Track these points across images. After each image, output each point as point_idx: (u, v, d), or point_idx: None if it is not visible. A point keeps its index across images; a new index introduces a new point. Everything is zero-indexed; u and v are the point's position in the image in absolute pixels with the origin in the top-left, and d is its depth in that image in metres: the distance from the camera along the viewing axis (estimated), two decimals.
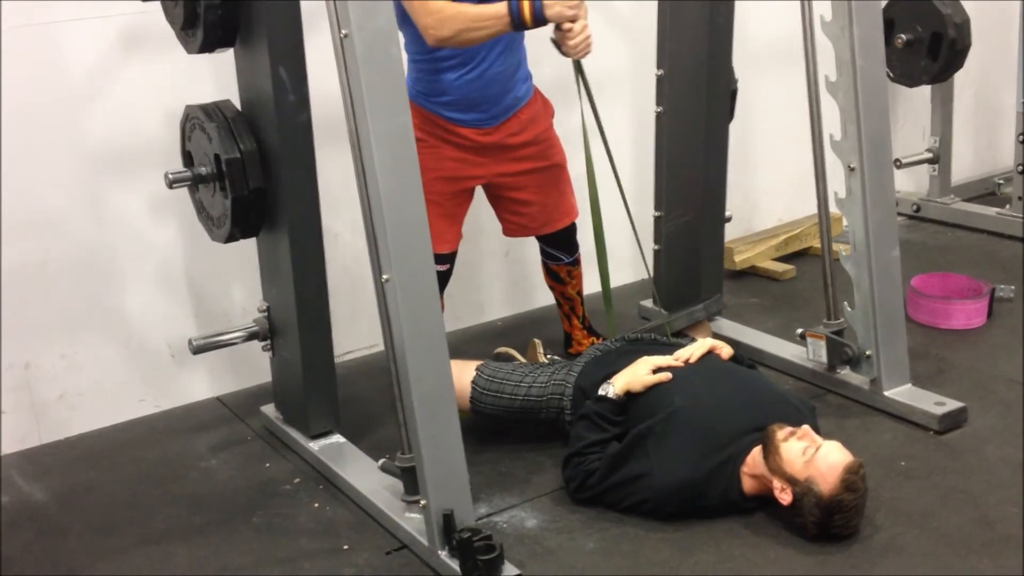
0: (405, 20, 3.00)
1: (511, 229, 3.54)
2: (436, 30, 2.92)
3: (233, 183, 2.83)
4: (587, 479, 2.80)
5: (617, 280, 4.17)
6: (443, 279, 3.30)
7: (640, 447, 2.76)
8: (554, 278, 3.67)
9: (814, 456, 2.61)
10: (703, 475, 2.70)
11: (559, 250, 3.59)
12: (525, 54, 3.28)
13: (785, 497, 2.63)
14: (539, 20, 2.92)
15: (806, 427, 2.70)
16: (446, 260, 3.33)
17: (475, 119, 3.21)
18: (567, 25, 2.95)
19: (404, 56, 3.11)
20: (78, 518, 2.94)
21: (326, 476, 3.05)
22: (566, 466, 2.86)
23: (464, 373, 3.10)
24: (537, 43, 3.25)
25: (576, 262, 3.64)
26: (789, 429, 2.69)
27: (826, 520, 2.58)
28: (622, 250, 4.03)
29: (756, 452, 2.71)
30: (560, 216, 3.50)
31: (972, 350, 3.67)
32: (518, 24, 2.92)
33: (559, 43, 3.02)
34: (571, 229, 3.58)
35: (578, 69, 3.06)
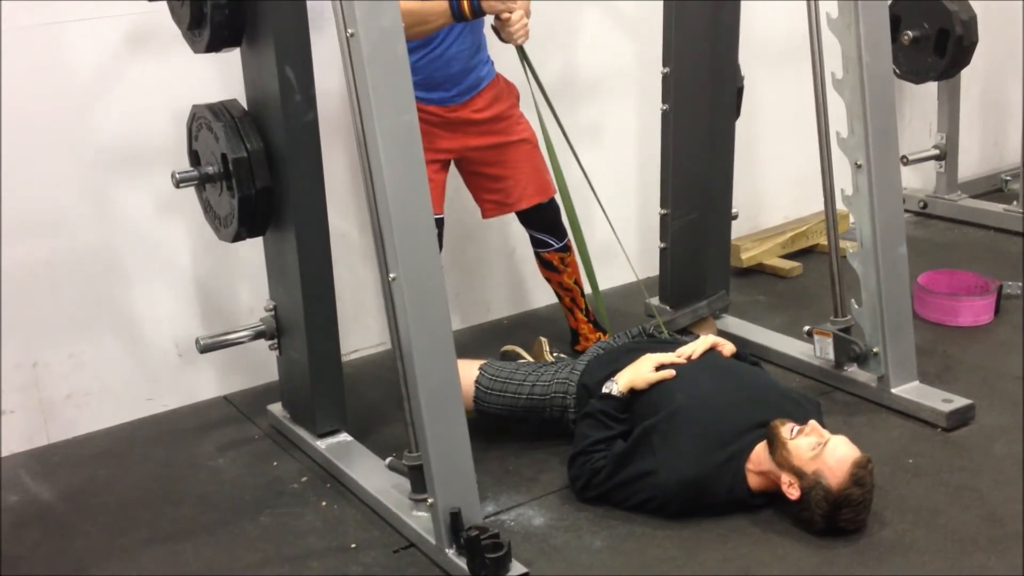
0: None
1: (489, 208, 3.62)
2: None
3: (240, 182, 2.83)
4: (593, 477, 2.80)
5: (622, 278, 4.18)
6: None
7: (645, 445, 2.77)
8: (547, 267, 3.71)
9: (822, 450, 2.61)
10: (709, 471, 2.70)
11: (545, 233, 3.64)
12: (485, 40, 3.42)
13: (793, 492, 2.63)
14: (477, 12, 3.15)
15: (813, 422, 2.70)
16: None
17: (440, 97, 3.34)
18: (504, 15, 3.19)
19: None
20: (86, 517, 2.94)
21: (333, 475, 3.05)
22: (572, 465, 2.87)
23: (467, 372, 3.10)
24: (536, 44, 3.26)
25: (567, 248, 3.68)
26: (793, 424, 2.69)
27: (834, 514, 2.58)
28: (627, 248, 4.03)
29: (760, 448, 2.71)
30: (535, 191, 3.57)
31: (979, 347, 3.66)
32: (458, 16, 3.14)
33: (498, 31, 3.26)
34: (552, 208, 3.62)
35: (521, 54, 3.26)
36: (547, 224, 3.63)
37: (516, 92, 3.52)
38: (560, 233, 3.66)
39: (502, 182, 3.53)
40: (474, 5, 3.13)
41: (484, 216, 3.65)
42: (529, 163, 3.54)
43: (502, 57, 3.47)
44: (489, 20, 3.30)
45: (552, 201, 3.61)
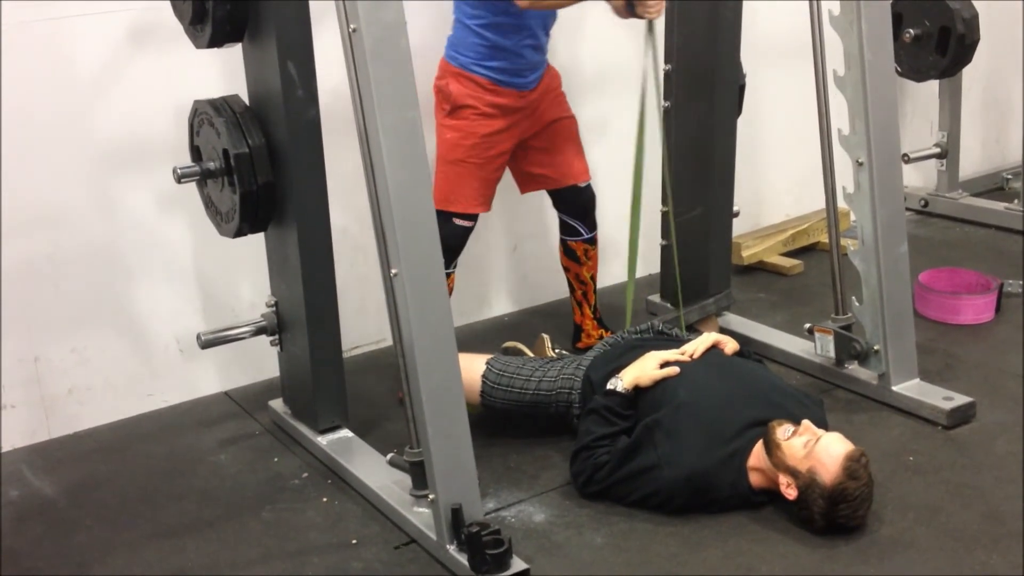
0: None
1: (531, 183, 3.63)
2: None
3: (241, 178, 2.83)
4: (595, 473, 2.81)
5: (623, 275, 4.18)
6: (466, 237, 3.48)
7: (648, 440, 2.77)
8: (570, 256, 3.70)
9: (814, 447, 2.61)
10: (711, 467, 2.71)
11: (579, 220, 3.64)
12: None
13: (791, 492, 2.64)
14: None
15: (806, 422, 2.71)
16: (473, 218, 3.48)
17: (520, 83, 3.37)
18: None
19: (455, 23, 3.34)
20: (87, 512, 2.95)
21: (334, 471, 3.05)
22: (574, 460, 2.87)
23: (474, 366, 3.11)
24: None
25: (593, 241, 3.68)
26: (789, 425, 2.70)
27: (831, 510, 2.58)
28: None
29: (760, 446, 2.72)
30: (576, 173, 3.59)
31: (980, 345, 3.67)
32: None
33: (629, 6, 3.15)
34: (589, 195, 3.64)
35: (650, 28, 3.19)
36: (581, 210, 3.64)
37: (557, 72, 3.56)
38: (591, 223, 3.66)
39: (553, 156, 3.55)
40: None
41: (522, 191, 3.67)
42: (573, 142, 3.59)
43: None
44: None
45: (589, 187, 3.63)
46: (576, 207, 3.63)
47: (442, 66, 3.40)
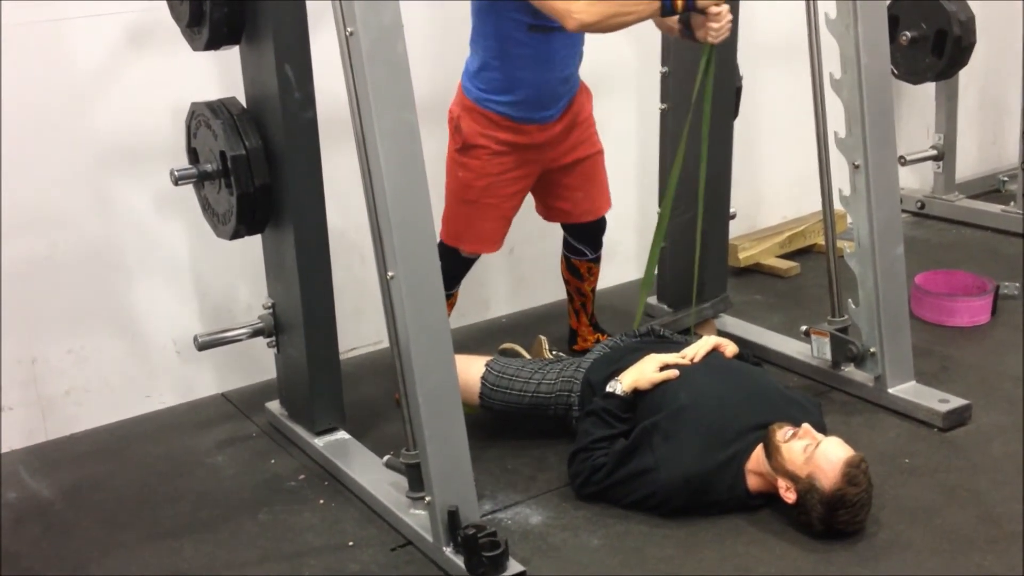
0: (486, 16, 3.03)
1: (553, 214, 3.52)
2: (582, 14, 2.85)
3: (238, 180, 2.83)
4: (593, 474, 2.81)
5: (624, 276, 4.19)
6: (472, 264, 3.40)
7: (646, 442, 2.77)
8: (573, 273, 3.66)
9: (814, 452, 2.62)
10: (709, 469, 2.71)
11: (585, 244, 3.58)
12: None
13: (790, 496, 2.64)
14: (690, 5, 2.89)
15: (806, 425, 2.71)
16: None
17: (541, 116, 3.20)
18: (714, 9, 2.92)
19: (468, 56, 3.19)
20: (84, 514, 2.95)
21: (331, 472, 3.05)
22: (572, 462, 2.87)
23: (473, 368, 3.11)
24: None
25: (598, 260, 3.64)
26: (788, 428, 2.70)
27: (830, 516, 2.58)
28: (628, 247, 4.04)
29: (760, 450, 2.72)
30: (600, 205, 3.51)
31: (976, 347, 3.67)
32: (669, 10, 2.90)
33: (697, 27, 2.99)
34: (602, 225, 3.58)
35: (710, 55, 3.02)
36: (590, 236, 3.57)
37: (590, 95, 3.40)
38: (598, 245, 3.60)
39: (575, 192, 3.42)
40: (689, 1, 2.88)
41: (546, 219, 3.55)
42: (599, 177, 3.45)
43: None
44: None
45: (604, 217, 3.55)
46: (587, 235, 3.57)
47: (458, 93, 3.24)
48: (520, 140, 3.20)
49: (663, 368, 2.91)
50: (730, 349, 3.06)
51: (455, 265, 3.33)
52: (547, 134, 3.25)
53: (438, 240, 2.98)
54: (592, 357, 3.14)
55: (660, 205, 3.66)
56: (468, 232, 3.31)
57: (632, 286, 4.18)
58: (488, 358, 3.19)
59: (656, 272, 3.59)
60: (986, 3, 4.84)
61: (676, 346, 3.08)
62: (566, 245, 3.63)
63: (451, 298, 3.42)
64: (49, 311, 3.30)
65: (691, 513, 2.73)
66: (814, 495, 2.58)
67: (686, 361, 2.96)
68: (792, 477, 2.63)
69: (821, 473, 2.58)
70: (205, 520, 2.89)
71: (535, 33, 3.03)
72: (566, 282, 3.71)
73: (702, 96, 3.07)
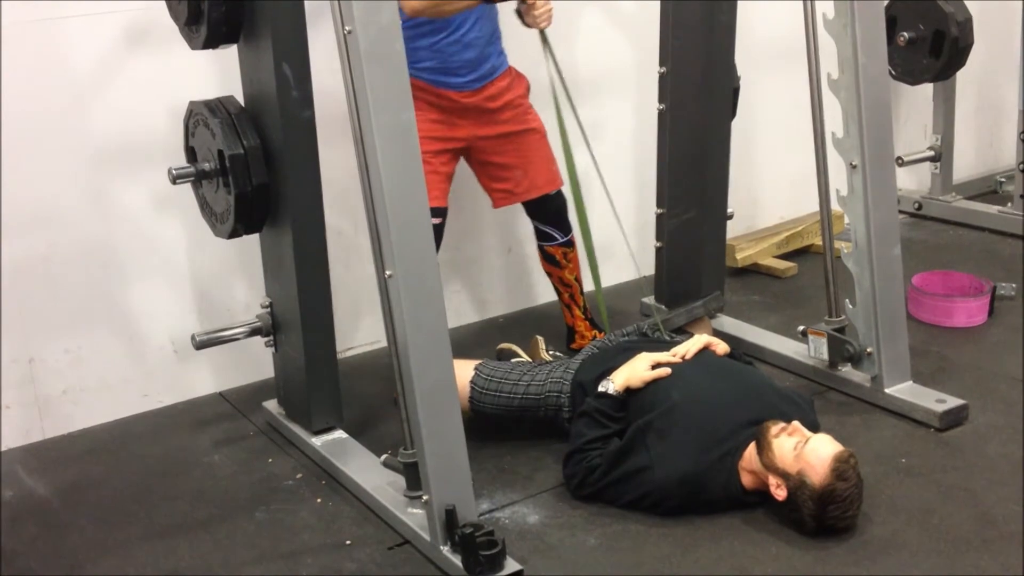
0: None
1: (498, 197, 3.62)
2: (413, 2, 3.13)
3: (236, 179, 2.83)
4: (588, 475, 2.81)
5: (619, 276, 4.19)
6: (437, 233, 3.43)
7: (640, 442, 2.78)
8: (550, 261, 3.71)
9: (803, 449, 2.62)
10: (704, 468, 2.71)
11: (552, 226, 3.65)
12: (500, 30, 3.44)
13: (780, 493, 2.64)
14: None
15: (795, 422, 2.71)
16: (438, 214, 3.42)
17: (456, 82, 3.37)
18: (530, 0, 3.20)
19: None
20: (81, 513, 2.95)
21: (328, 472, 3.05)
22: (567, 463, 2.87)
23: (463, 372, 3.10)
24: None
25: (571, 243, 3.69)
26: (781, 425, 2.70)
27: (821, 512, 2.59)
28: (623, 247, 4.02)
29: (752, 448, 2.72)
30: (544, 182, 3.59)
31: (973, 348, 3.68)
32: None
33: (523, 15, 3.27)
34: (560, 201, 3.64)
35: (543, 38, 3.23)
36: (553, 217, 3.65)
37: (527, 83, 3.55)
38: (565, 227, 3.67)
39: (512, 171, 3.55)
40: None
41: (495, 206, 3.66)
42: (539, 153, 3.57)
43: (512, 51, 3.49)
44: (509, 6, 3.28)
45: (559, 193, 3.63)
46: (548, 214, 3.64)
47: None
48: (441, 103, 3.38)
49: (655, 366, 2.92)
50: (721, 348, 3.07)
51: None
52: (469, 101, 3.40)
53: None
54: (581, 358, 3.15)
55: (657, 205, 3.66)
56: None
57: (629, 287, 4.17)
58: (477, 362, 3.19)
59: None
60: (984, 4, 4.85)
61: (667, 345, 3.09)
62: (536, 233, 3.70)
63: None
64: (46, 310, 3.30)
65: (687, 512, 2.73)
66: (804, 491, 2.59)
67: (677, 359, 2.96)
68: (782, 474, 2.63)
69: (811, 469, 2.59)
70: (202, 519, 2.89)
71: None
72: (548, 275, 3.77)
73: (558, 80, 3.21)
